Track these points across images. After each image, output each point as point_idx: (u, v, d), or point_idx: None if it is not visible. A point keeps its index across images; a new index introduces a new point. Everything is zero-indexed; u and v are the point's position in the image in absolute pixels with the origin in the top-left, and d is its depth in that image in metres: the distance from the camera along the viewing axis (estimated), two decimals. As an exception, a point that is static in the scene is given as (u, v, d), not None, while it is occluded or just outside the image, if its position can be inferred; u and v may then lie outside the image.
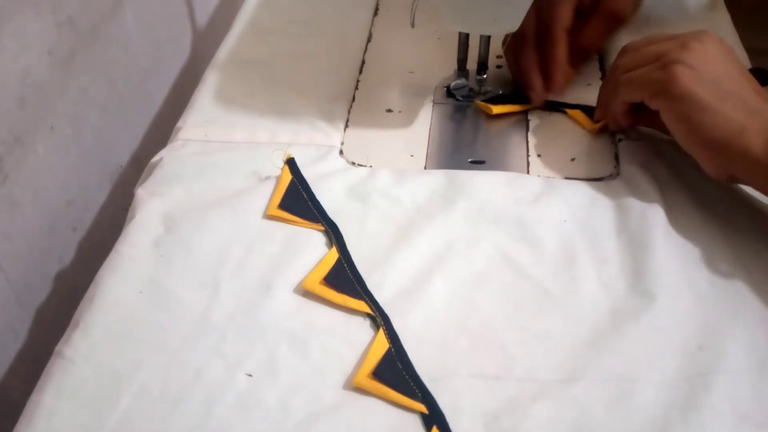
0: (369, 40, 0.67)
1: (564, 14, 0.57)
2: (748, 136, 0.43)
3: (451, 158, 0.55)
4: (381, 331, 0.41)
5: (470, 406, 0.38)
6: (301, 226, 0.48)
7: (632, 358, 0.39)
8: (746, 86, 0.45)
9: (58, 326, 0.43)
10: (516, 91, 0.59)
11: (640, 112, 0.51)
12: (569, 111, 0.58)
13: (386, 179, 0.51)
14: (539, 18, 0.57)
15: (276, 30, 0.68)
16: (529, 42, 0.57)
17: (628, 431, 0.36)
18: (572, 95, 0.59)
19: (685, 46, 0.46)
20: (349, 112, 0.58)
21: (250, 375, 0.39)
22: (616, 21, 0.59)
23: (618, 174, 0.51)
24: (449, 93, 0.60)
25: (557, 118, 0.57)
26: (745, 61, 0.61)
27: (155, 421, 0.37)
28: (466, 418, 0.37)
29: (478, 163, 0.54)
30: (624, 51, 0.51)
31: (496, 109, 0.58)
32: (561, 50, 0.57)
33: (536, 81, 0.57)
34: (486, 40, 0.57)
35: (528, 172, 0.53)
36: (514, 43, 0.59)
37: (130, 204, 0.50)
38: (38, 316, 0.55)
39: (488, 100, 0.59)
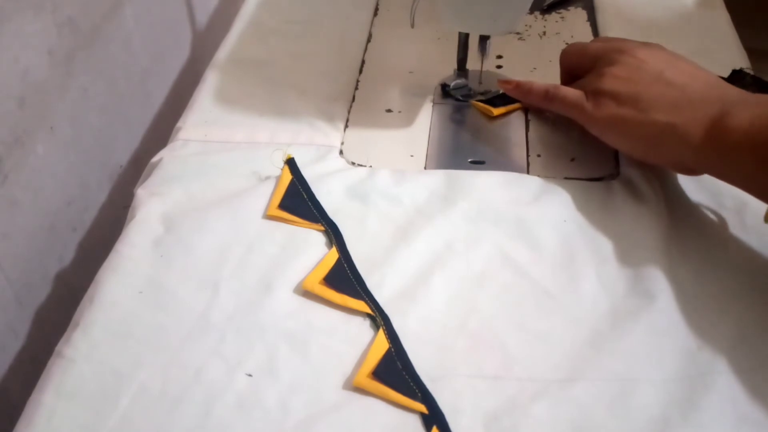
0: (369, 40, 0.67)
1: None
2: (682, 131, 0.44)
3: (451, 158, 0.55)
4: (381, 331, 0.41)
5: (470, 406, 0.38)
6: (300, 226, 0.48)
7: (632, 358, 0.39)
8: (671, 85, 0.47)
9: (58, 326, 0.43)
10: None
11: None
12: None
13: (386, 179, 0.51)
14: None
15: (276, 30, 0.68)
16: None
17: (628, 431, 0.36)
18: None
19: (606, 74, 0.49)
20: (349, 112, 0.58)
21: (250, 375, 0.39)
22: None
23: (618, 174, 0.51)
24: (444, 92, 0.60)
25: (557, 118, 0.57)
26: (745, 62, 0.61)
27: (155, 421, 0.37)
28: (466, 418, 0.37)
29: (478, 163, 0.54)
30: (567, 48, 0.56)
31: (497, 111, 0.58)
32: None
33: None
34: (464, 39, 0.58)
35: (528, 172, 0.53)
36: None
37: (130, 204, 0.50)
38: (38, 316, 0.55)
39: (488, 101, 0.59)
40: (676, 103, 0.45)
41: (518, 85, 0.57)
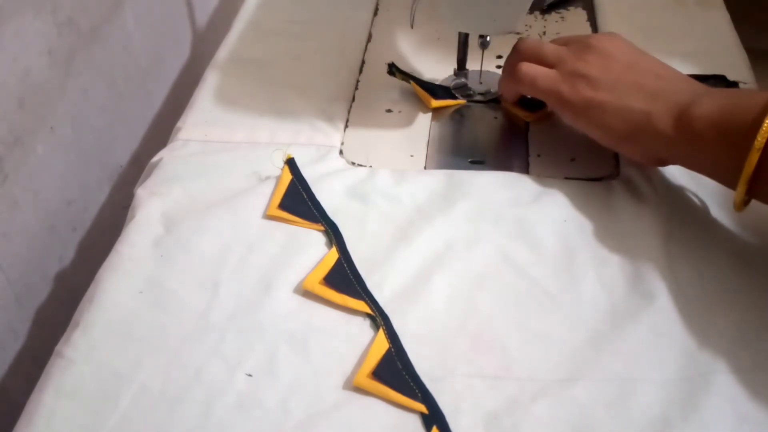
0: (369, 40, 0.67)
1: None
2: (656, 119, 0.44)
3: (451, 158, 0.55)
4: (381, 331, 0.41)
5: (470, 406, 0.38)
6: (301, 226, 0.48)
7: (632, 358, 0.39)
8: (645, 74, 0.47)
9: (58, 326, 0.43)
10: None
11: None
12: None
13: (386, 179, 0.51)
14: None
15: (276, 30, 0.68)
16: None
17: (628, 431, 0.36)
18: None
19: (580, 57, 0.49)
20: (349, 112, 0.58)
21: (250, 375, 0.39)
22: None
23: (618, 174, 0.51)
24: (434, 93, 0.59)
25: (557, 118, 0.57)
26: (745, 61, 0.61)
27: (155, 421, 0.37)
28: (466, 418, 0.37)
29: (478, 163, 0.54)
30: (524, 41, 0.53)
31: (435, 103, 0.58)
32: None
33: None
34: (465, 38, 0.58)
35: (528, 172, 0.53)
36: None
37: (130, 204, 0.50)
38: (38, 316, 0.55)
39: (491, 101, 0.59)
40: (651, 91, 0.46)
41: None
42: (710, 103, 0.43)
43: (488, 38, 0.57)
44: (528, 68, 0.51)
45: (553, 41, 0.53)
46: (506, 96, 0.57)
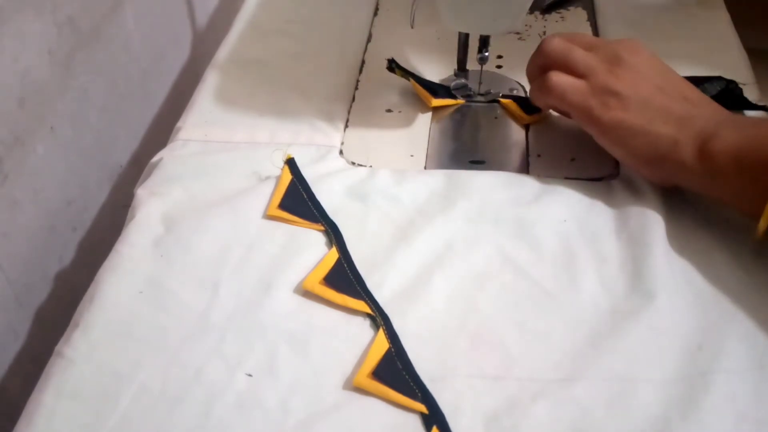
0: (369, 40, 0.67)
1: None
2: (681, 148, 0.44)
3: (451, 158, 0.55)
4: (381, 331, 0.41)
5: (470, 406, 0.38)
6: (301, 226, 0.48)
7: (632, 358, 0.39)
8: (674, 96, 0.47)
9: (58, 326, 0.43)
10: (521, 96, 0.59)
11: None
12: (502, 101, 0.59)
13: (386, 179, 0.51)
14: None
15: (276, 30, 0.68)
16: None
17: (628, 431, 0.36)
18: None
19: (612, 71, 0.47)
20: (349, 112, 0.58)
21: (250, 375, 0.39)
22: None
23: (618, 174, 0.51)
24: (434, 92, 0.59)
25: (557, 118, 0.57)
26: (745, 61, 0.61)
27: (155, 421, 0.37)
28: (466, 418, 0.37)
29: (478, 163, 0.54)
30: (552, 43, 0.51)
31: (436, 102, 0.58)
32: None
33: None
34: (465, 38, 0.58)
35: (528, 172, 0.53)
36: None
37: (130, 204, 0.50)
38: (38, 316, 0.55)
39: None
40: (679, 117, 0.45)
41: None
42: (732, 135, 0.43)
43: (486, 54, 0.57)
44: (558, 79, 0.49)
45: (575, 40, 0.50)
46: (538, 105, 0.53)
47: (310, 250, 0.46)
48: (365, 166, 0.53)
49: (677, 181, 0.47)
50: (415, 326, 0.42)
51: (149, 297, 0.43)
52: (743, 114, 0.47)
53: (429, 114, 0.58)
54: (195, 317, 0.42)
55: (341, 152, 0.54)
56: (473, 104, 0.60)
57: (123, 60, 0.66)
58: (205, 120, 0.57)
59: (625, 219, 0.47)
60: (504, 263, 0.45)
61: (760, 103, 0.55)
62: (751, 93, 0.56)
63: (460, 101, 0.60)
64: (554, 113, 0.57)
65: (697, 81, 0.51)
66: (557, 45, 0.50)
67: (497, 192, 0.50)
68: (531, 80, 0.53)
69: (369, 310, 0.42)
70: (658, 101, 0.46)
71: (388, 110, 0.59)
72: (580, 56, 0.49)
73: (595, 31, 0.68)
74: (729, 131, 0.43)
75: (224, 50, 0.65)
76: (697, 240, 0.46)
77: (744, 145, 0.42)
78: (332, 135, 0.55)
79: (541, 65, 0.51)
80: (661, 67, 0.49)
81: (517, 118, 0.58)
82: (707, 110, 0.46)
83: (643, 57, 0.48)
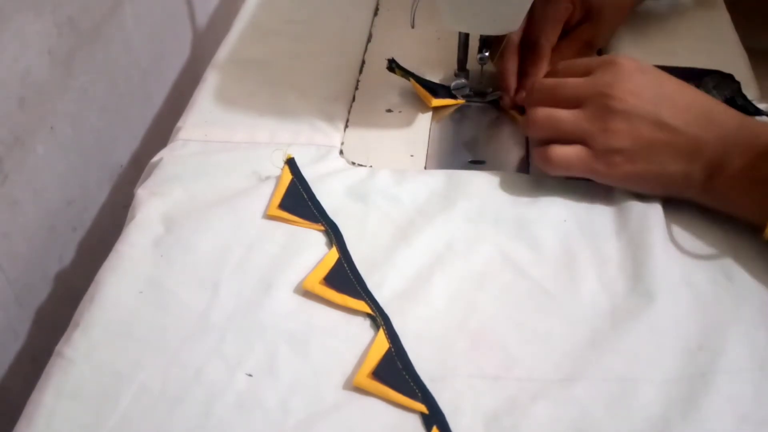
0: (369, 40, 0.67)
1: (553, 31, 0.58)
2: (692, 179, 0.46)
3: (451, 158, 0.55)
4: (381, 331, 0.41)
5: (470, 406, 0.38)
6: (301, 226, 0.48)
7: (632, 358, 0.39)
8: (676, 120, 0.45)
9: (58, 326, 0.43)
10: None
11: None
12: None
13: (386, 179, 0.51)
14: (528, 27, 0.57)
15: (276, 30, 0.68)
16: (514, 46, 0.58)
17: (628, 431, 0.36)
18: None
19: (606, 130, 0.46)
20: (349, 112, 0.58)
21: (250, 375, 0.39)
22: (587, 48, 0.61)
23: (618, 174, 0.51)
24: (434, 92, 0.59)
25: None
26: (745, 61, 0.61)
27: (155, 421, 0.37)
28: (466, 418, 0.37)
29: (478, 163, 0.54)
30: (536, 118, 0.49)
31: (436, 102, 0.58)
32: (542, 67, 0.57)
33: (511, 85, 0.58)
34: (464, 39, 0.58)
35: (528, 172, 0.53)
36: (500, 42, 0.59)
37: (130, 204, 0.50)
38: (38, 316, 0.55)
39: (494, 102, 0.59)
40: (685, 150, 0.45)
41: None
42: (741, 161, 0.44)
43: (486, 54, 0.57)
44: (558, 153, 0.47)
45: (556, 91, 0.49)
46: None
47: (310, 250, 0.46)
48: (365, 166, 0.53)
49: (691, 200, 0.47)
50: (415, 326, 0.42)
51: (149, 297, 0.43)
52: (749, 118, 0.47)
53: (429, 114, 0.58)
54: (195, 317, 0.42)
55: (341, 152, 0.54)
56: (473, 104, 0.60)
57: (123, 60, 0.66)
58: (205, 120, 0.57)
59: (625, 219, 0.47)
60: (504, 263, 0.45)
61: (761, 104, 0.55)
62: (751, 93, 0.56)
63: (460, 101, 0.60)
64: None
65: (697, 74, 0.51)
66: (541, 119, 0.48)
67: (497, 192, 0.50)
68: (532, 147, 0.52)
69: (369, 310, 0.42)
70: (662, 140, 0.45)
71: (388, 110, 0.59)
72: (570, 125, 0.47)
73: (595, 31, 0.68)
74: (737, 156, 0.44)
75: (224, 50, 0.65)
76: (697, 240, 0.46)
77: (753, 162, 0.43)
78: (332, 135, 0.55)
79: (536, 139, 0.50)
80: (654, 87, 0.47)
81: (517, 118, 0.58)
82: (713, 131, 0.45)
83: (633, 84, 0.46)
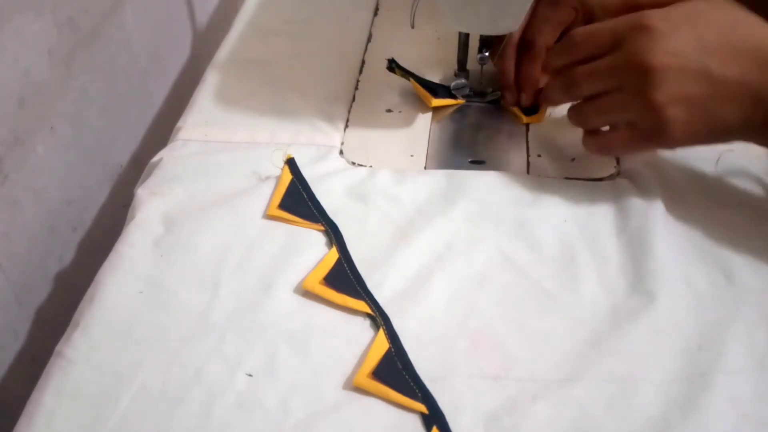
0: (369, 40, 0.67)
1: (551, 33, 0.57)
2: (752, 126, 0.43)
3: (451, 158, 0.55)
4: (381, 331, 0.41)
5: (470, 406, 0.38)
6: (301, 226, 0.48)
7: (632, 358, 0.39)
8: (728, 75, 0.42)
9: (58, 326, 0.43)
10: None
11: None
12: (502, 101, 0.59)
13: (386, 179, 0.51)
14: (527, 26, 0.57)
15: (276, 30, 0.68)
16: (514, 45, 0.58)
17: (628, 431, 0.36)
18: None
19: (651, 107, 0.43)
20: (349, 112, 0.58)
21: (250, 375, 0.39)
22: None
23: (618, 174, 0.51)
24: (434, 92, 0.59)
25: (557, 118, 0.57)
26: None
27: (155, 421, 0.37)
28: (466, 418, 0.37)
29: (478, 163, 0.54)
30: (572, 43, 0.47)
31: (436, 102, 0.58)
32: (536, 68, 0.57)
33: (512, 83, 0.58)
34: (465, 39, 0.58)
35: (528, 172, 0.53)
36: (500, 43, 0.59)
37: (130, 204, 0.50)
38: (38, 316, 0.55)
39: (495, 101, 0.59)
40: (744, 99, 0.42)
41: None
42: None
43: (486, 54, 0.57)
44: (610, 143, 0.47)
45: (586, 67, 0.46)
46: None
47: (310, 250, 0.46)
48: (365, 166, 0.53)
49: (737, 140, 0.45)
50: (415, 326, 0.42)
51: (149, 297, 0.43)
52: None
53: (429, 114, 0.58)
54: (195, 317, 0.42)
55: (341, 152, 0.54)
56: (473, 104, 0.60)
57: (123, 60, 0.66)
58: (205, 120, 0.57)
59: (625, 219, 0.47)
60: (504, 263, 0.45)
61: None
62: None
63: (460, 101, 0.60)
64: (554, 114, 0.57)
65: None
66: (586, 111, 0.48)
67: (497, 192, 0.50)
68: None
69: (369, 310, 0.42)
70: (717, 94, 0.42)
71: (388, 110, 0.59)
72: (616, 114, 0.46)
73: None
74: None
75: (224, 50, 0.65)
76: (697, 240, 0.46)
77: None
78: (332, 135, 0.55)
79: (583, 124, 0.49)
80: (695, 40, 0.42)
81: (517, 118, 0.58)
82: (755, 74, 0.42)
83: (671, 45, 0.42)
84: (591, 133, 0.49)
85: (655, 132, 0.44)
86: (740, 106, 0.42)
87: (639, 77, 0.43)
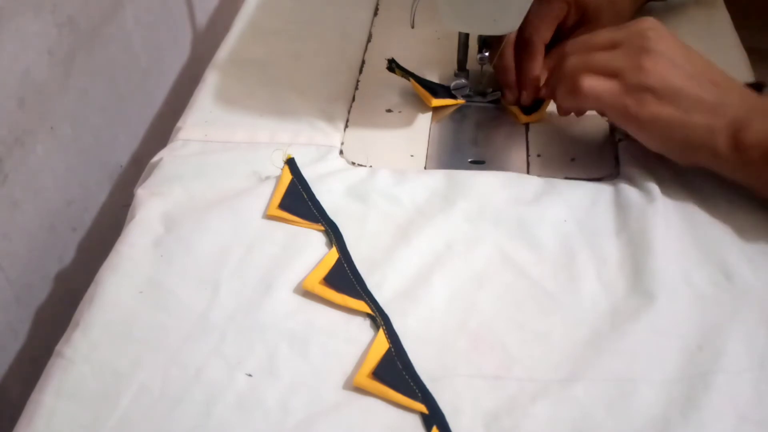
0: (369, 40, 0.67)
1: (546, 29, 0.58)
2: (715, 137, 0.45)
3: (451, 158, 0.55)
4: (381, 331, 0.41)
5: (470, 406, 0.38)
6: (301, 226, 0.48)
7: (632, 358, 0.39)
8: (703, 81, 0.47)
9: (58, 326, 0.43)
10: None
11: None
12: (502, 101, 0.59)
13: (386, 179, 0.51)
14: (523, 25, 0.57)
15: (276, 30, 0.68)
16: (512, 45, 0.58)
17: (628, 431, 0.36)
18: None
19: (641, 67, 0.47)
20: (349, 112, 0.58)
21: (250, 375, 0.39)
22: None
23: (618, 174, 0.51)
24: (434, 92, 0.59)
25: (557, 118, 0.57)
26: (745, 61, 0.61)
27: (155, 421, 0.37)
28: (466, 418, 0.37)
29: (478, 163, 0.54)
30: (569, 63, 0.50)
31: (436, 102, 0.58)
32: (535, 64, 0.57)
33: (513, 81, 0.58)
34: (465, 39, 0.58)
35: (528, 172, 0.53)
36: (500, 43, 0.59)
37: (130, 204, 0.50)
38: (38, 316, 0.55)
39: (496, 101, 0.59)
40: (711, 105, 0.46)
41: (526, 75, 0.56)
42: (763, 126, 0.44)
43: (486, 54, 0.57)
44: (590, 83, 0.48)
45: (593, 43, 0.50)
46: (566, 107, 0.52)
47: (310, 250, 0.46)
48: (365, 166, 0.53)
49: (709, 167, 0.47)
50: (415, 326, 0.42)
51: (149, 297, 0.43)
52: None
53: (429, 114, 0.58)
54: (195, 317, 0.42)
55: (341, 152, 0.54)
56: (473, 104, 0.60)
57: (123, 60, 0.66)
58: (205, 120, 0.57)
59: (625, 219, 0.47)
60: (504, 263, 0.45)
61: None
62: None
63: (460, 101, 0.60)
64: (553, 113, 0.57)
65: None
66: (578, 47, 0.50)
67: (497, 192, 0.50)
68: (556, 86, 0.52)
69: (369, 310, 0.42)
70: (691, 90, 0.46)
71: (388, 110, 0.59)
72: (604, 61, 0.48)
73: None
74: (760, 121, 0.44)
75: (224, 50, 0.65)
76: (697, 240, 0.46)
77: None
78: (332, 135, 0.55)
79: (568, 73, 0.50)
80: (685, 51, 0.48)
81: (517, 118, 0.58)
82: (736, 96, 0.46)
83: (668, 43, 0.48)
84: (573, 75, 0.50)
85: (634, 91, 0.47)
86: (706, 109, 0.46)
87: (636, 42, 0.48)
